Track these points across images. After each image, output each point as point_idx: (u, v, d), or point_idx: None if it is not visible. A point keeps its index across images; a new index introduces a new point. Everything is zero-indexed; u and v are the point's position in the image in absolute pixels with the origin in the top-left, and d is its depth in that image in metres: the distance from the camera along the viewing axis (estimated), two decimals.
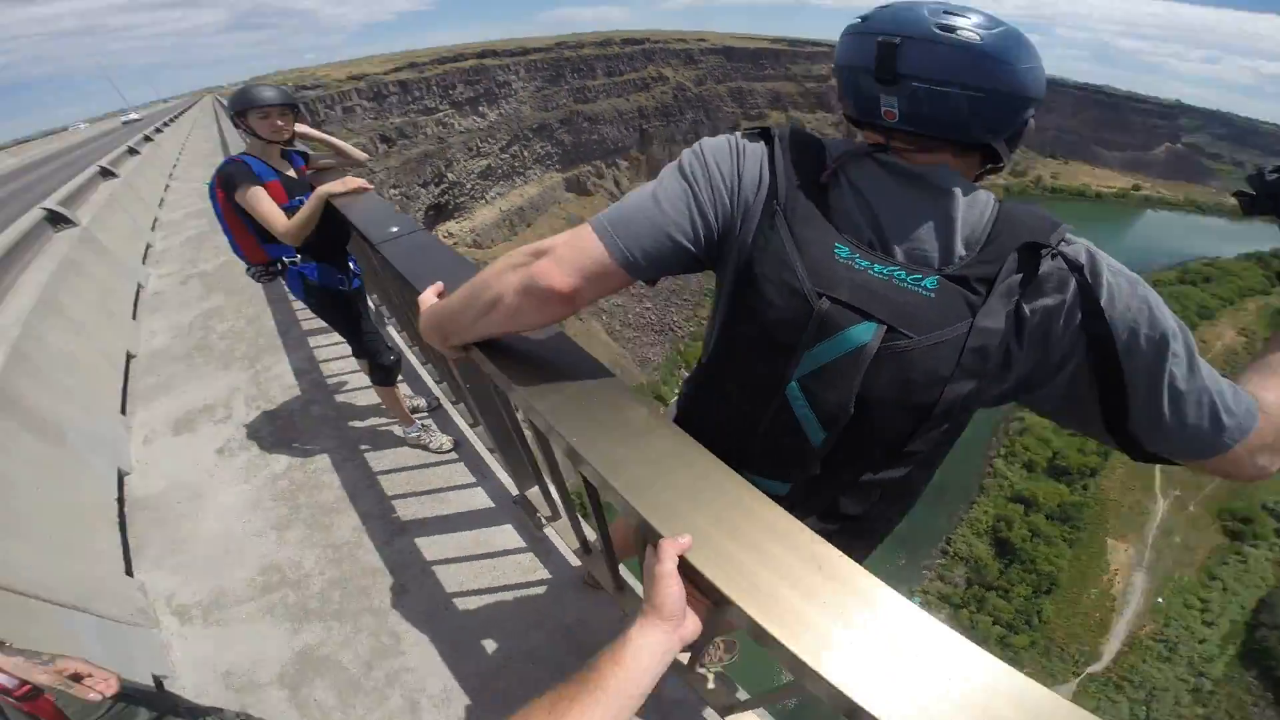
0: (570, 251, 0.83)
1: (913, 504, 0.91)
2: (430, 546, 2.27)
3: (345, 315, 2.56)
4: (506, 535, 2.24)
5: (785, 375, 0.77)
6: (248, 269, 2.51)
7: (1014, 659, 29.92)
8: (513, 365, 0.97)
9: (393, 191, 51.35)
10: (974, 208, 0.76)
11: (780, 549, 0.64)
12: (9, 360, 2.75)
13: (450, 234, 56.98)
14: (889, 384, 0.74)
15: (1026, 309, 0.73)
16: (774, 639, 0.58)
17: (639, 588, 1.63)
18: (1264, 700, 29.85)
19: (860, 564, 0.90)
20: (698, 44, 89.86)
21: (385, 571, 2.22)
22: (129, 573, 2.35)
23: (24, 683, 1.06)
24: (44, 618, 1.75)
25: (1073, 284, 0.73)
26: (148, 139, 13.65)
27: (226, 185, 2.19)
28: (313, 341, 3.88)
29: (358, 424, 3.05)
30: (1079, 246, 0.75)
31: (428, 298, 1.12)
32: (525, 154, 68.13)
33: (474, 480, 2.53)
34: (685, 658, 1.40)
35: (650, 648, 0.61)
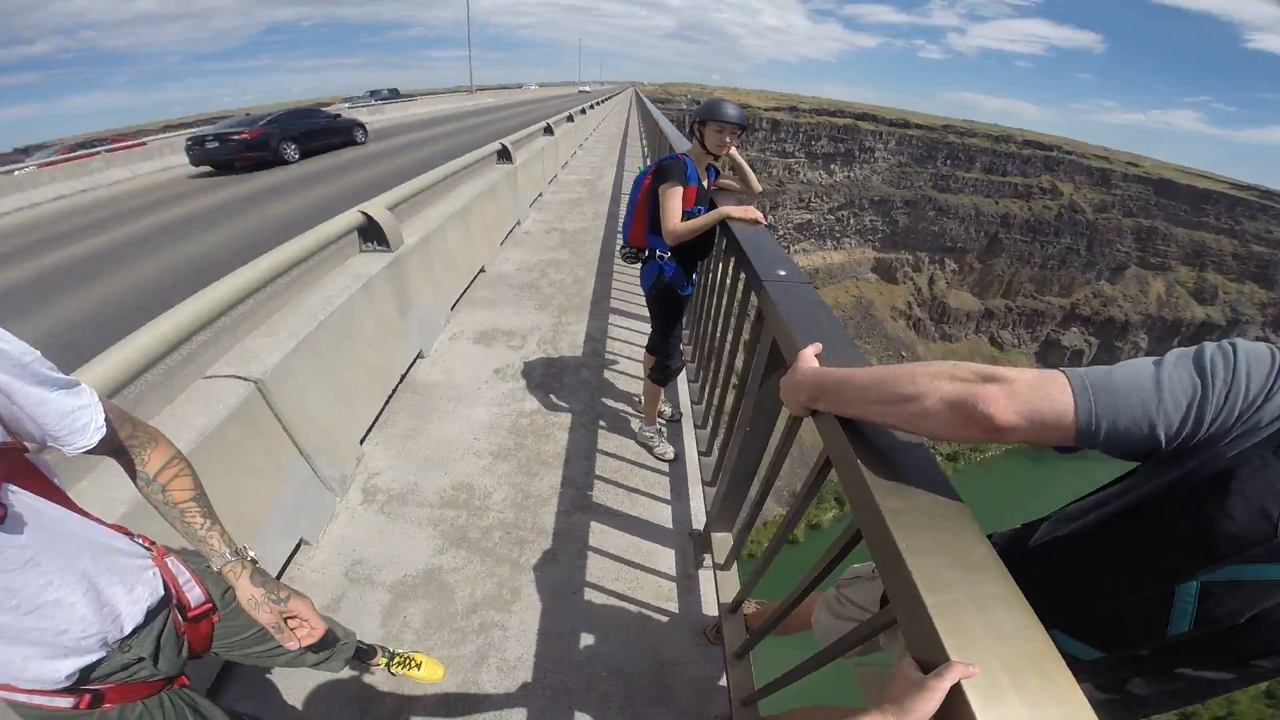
0: (1031, 392, 0.78)
1: (1195, 704, 0.88)
2: (599, 534, 2.33)
3: (671, 315, 2.70)
4: (665, 559, 2.24)
5: (1192, 574, 0.75)
6: (622, 247, 2.75)
7: None
8: (864, 452, 0.96)
9: None
10: None
11: (1055, 710, 0.63)
12: (419, 243, 3.55)
13: None
14: None
15: None
16: None
17: (753, 665, 1.66)
18: None
19: None
20: (1125, 167, 74.70)
21: (550, 535, 2.32)
22: (361, 441, 2.79)
23: (207, 601, 1.10)
24: (277, 453, 2.09)
25: None
26: (582, 111, 17.12)
27: (660, 174, 2.41)
28: (612, 318, 4.27)
29: (608, 401, 3.23)
30: None
31: (808, 355, 1.14)
32: (851, 221, 66.54)
33: (669, 499, 2.55)
34: None
35: None
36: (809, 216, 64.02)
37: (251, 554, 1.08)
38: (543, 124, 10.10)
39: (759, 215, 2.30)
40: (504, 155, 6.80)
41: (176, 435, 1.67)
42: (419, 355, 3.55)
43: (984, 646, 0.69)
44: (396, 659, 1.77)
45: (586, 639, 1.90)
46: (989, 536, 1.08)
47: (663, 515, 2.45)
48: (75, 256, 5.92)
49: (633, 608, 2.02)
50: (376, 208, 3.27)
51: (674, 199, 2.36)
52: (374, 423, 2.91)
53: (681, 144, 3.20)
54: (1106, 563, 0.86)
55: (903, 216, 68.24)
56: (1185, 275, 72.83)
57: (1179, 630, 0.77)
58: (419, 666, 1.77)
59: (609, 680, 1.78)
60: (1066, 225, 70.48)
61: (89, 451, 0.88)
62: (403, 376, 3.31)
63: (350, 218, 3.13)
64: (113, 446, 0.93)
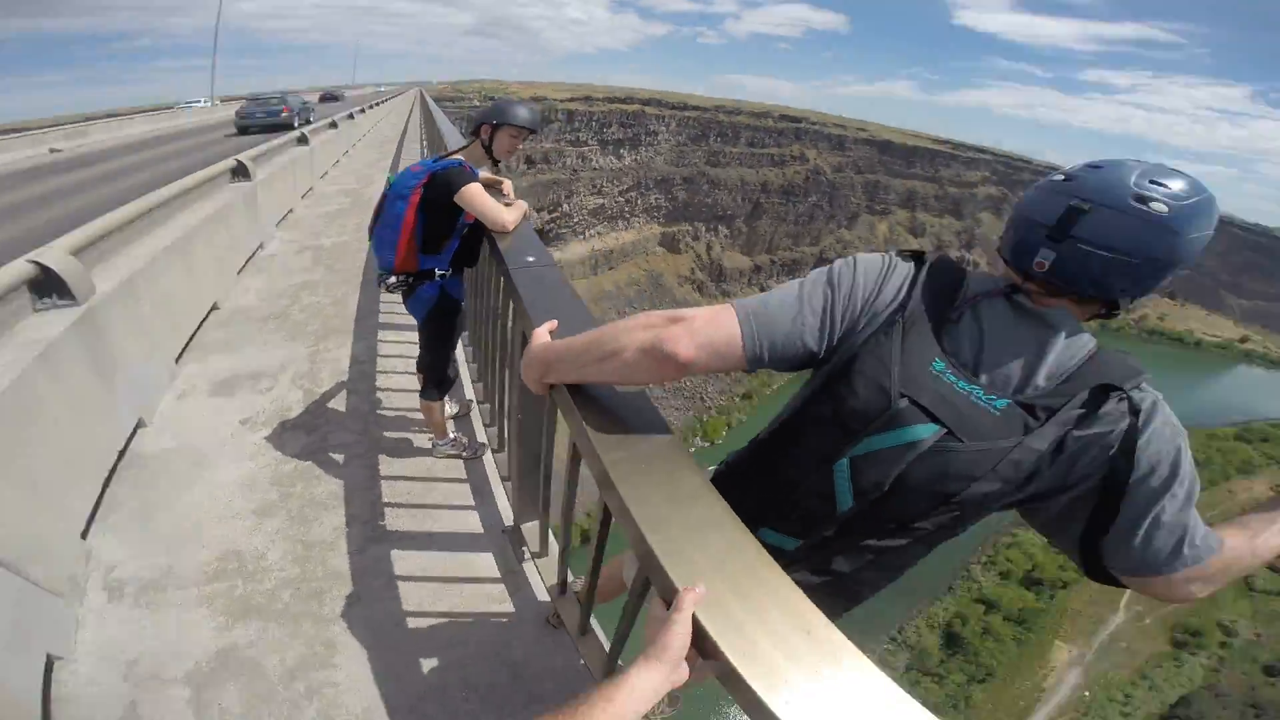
0: (708, 327, 0.90)
1: (899, 575, 0.98)
2: (403, 560, 2.21)
3: (449, 331, 2.55)
4: (484, 563, 2.19)
5: (840, 453, 0.87)
6: (382, 277, 2.40)
7: None
8: (590, 413, 1.04)
9: None
10: (1070, 349, 0.84)
11: (778, 613, 0.70)
12: (120, 288, 2.98)
13: None
14: (925, 474, 0.83)
15: (1073, 437, 0.80)
16: (751, 690, 0.62)
17: (602, 633, 1.67)
18: None
19: (839, 616, 1.00)
20: (856, 132, 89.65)
21: (347, 578, 2.15)
22: (83, 535, 2.31)
23: None
24: None
25: (1124, 424, 0.79)
26: (350, 116, 15.39)
27: (444, 185, 2.16)
28: (381, 334, 3.96)
29: (386, 424, 3.02)
30: (1148, 395, 0.81)
31: (540, 333, 1.18)
32: (639, 201, 70.89)
33: (473, 504, 2.49)
34: None
35: (645, 688, 0.65)
36: (601, 201, 66.43)
37: None
38: (296, 134, 8.98)
39: (524, 206, 2.29)
40: (241, 172, 5.94)
41: None
42: (139, 424, 2.96)
43: (703, 568, 0.74)
44: None
45: (429, 667, 1.79)
46: (730, 456, 1.20)
47: (470, 522, 2.39)
48: None
49: (466, 619, 1.96)
50: (55, 253, 2.66)
51: (485, 196, 2.18)
52: (94, 512, 2.40)
53: (456, 139, 2.84)
54: (784, 455, 0.98)
55: (681, 192, 74.47)
56: (902, 216, 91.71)
57: (845, 506, 0.88)
58: None
59: (468, 697, 1.71)
60: (812, 186, 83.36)
61: None
62: (121, 453, 2.75)
63: (14, 270, 2.49)
64: None
